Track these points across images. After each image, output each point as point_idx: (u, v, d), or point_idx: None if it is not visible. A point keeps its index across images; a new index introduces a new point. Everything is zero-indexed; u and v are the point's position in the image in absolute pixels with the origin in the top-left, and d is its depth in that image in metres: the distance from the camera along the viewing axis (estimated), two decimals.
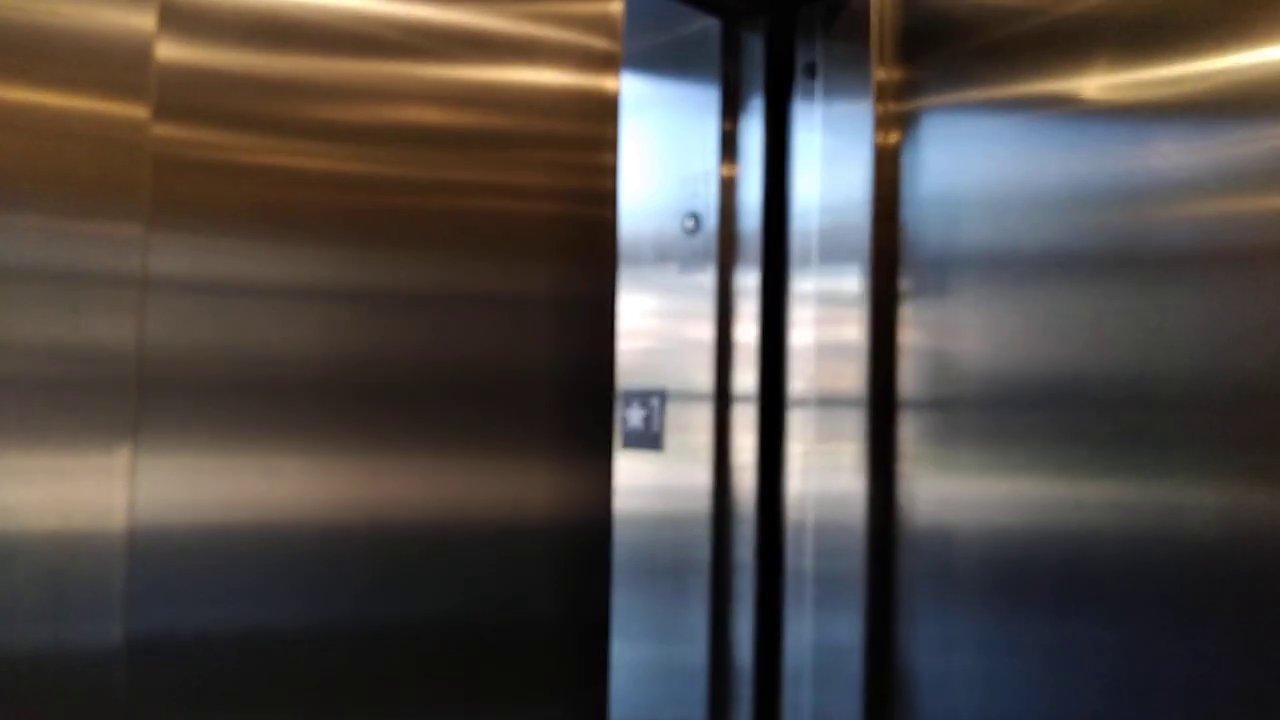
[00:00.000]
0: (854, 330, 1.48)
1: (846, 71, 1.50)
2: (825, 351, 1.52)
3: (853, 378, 1.48)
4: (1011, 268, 1.38)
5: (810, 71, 1.53)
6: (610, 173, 1.27)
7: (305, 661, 1.00)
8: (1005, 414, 1.38)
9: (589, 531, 1.30)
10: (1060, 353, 1.33)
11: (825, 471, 1.51)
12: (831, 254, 1.51)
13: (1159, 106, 1.26)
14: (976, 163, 1.42)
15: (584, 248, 1.27)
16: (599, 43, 1.26)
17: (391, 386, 1.06)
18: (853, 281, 1.48)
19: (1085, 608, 1.30)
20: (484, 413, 1.16)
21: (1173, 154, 1.25)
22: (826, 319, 1.52)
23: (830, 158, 1.51)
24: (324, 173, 0.98)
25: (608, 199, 1.27)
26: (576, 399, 1.27)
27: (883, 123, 1.47)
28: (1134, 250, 1.28)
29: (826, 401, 1.51)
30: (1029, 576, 1.35)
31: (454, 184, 1.11)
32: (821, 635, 1.51)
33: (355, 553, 1.03)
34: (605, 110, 1.27)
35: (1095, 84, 1.32)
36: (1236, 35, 1.21)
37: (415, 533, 1.09)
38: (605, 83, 1.26)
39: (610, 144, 1.27)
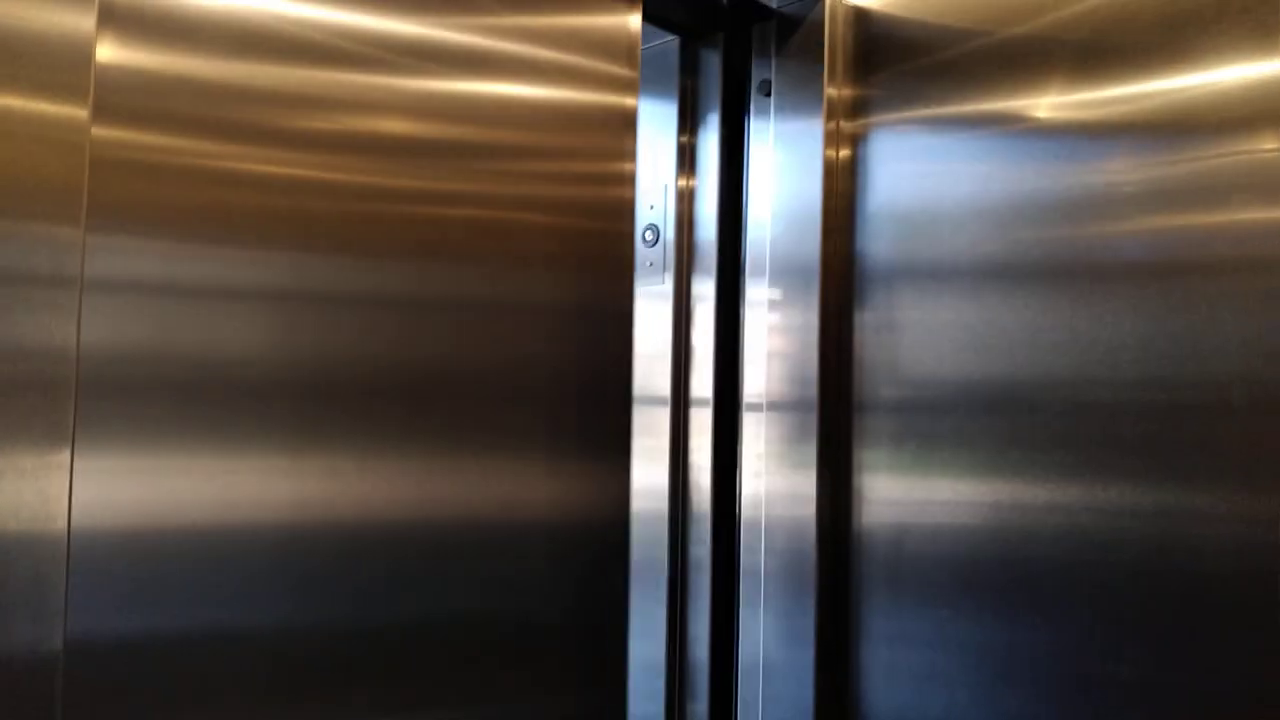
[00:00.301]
0: (805, 337, 1.53)
1: (799, 89, 1.55)
2: (777, 357, 1.56)
3: (804, 382, 1.53)
4: (956, 279, 1.43)
5: (765, 89, 1.58)
6: (630, 183, 1.33)
7: (273, 665, 1.02)
8: (949, 419, 1.42)
9: (611, 531, 1.35)
10: (1002, 360, 1.37)
11: (778, 473, 1.56)
12: (784, 264, 1.56)
13: (1102, 126, 1.30)
14: (922, 178, 1.46)
15: (603, 257, 1.32)
16: (620, 61, 1.32)
17: (356, 390, 1.09)
18: (804, 290, 1.53)
19: (1025, 607, 1.33)
20: (469, 414, 1.19)
21: (1113, 171, 1.29)
22: (779, 326, 1.56)
23: (783, 172, 1.56)
24: (282, 179, 1.01)
25: (626, 210, 1.34)
26: (600, 403, 1.33)
27: (832, 139, 1.52)
28: (1074, 263, 1.32)
29: (778, 406, 1.56)
30: (972, 575, 1.38)
31: (427, 193, 1.16)
32: (773, 631, 1.55)
33: (311, 553, 1.05)
34: (625, 124, 1.33)
35: (1041, 103, 1.37)
36: (1177, 58, 1.25)
37: (378, 533, 1.11)
38: (625, 99, 1.33)
39: (630, 156, 1.33)
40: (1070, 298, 1.32)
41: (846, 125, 1.53)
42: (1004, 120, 1.39)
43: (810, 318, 1.52)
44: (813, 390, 1.51)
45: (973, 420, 1.40)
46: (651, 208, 1.64)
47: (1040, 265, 1.35)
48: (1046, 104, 1.36)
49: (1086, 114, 1.32)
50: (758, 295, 1.59)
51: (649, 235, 1.64)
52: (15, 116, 0.79)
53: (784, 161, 1.56)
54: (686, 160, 1.63)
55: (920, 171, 1.47)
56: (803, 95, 1.54)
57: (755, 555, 1.58)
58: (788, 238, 1.55)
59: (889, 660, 1.46)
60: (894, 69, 1.50)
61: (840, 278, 1.51)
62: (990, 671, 1.36)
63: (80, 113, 0.81)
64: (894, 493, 1.47)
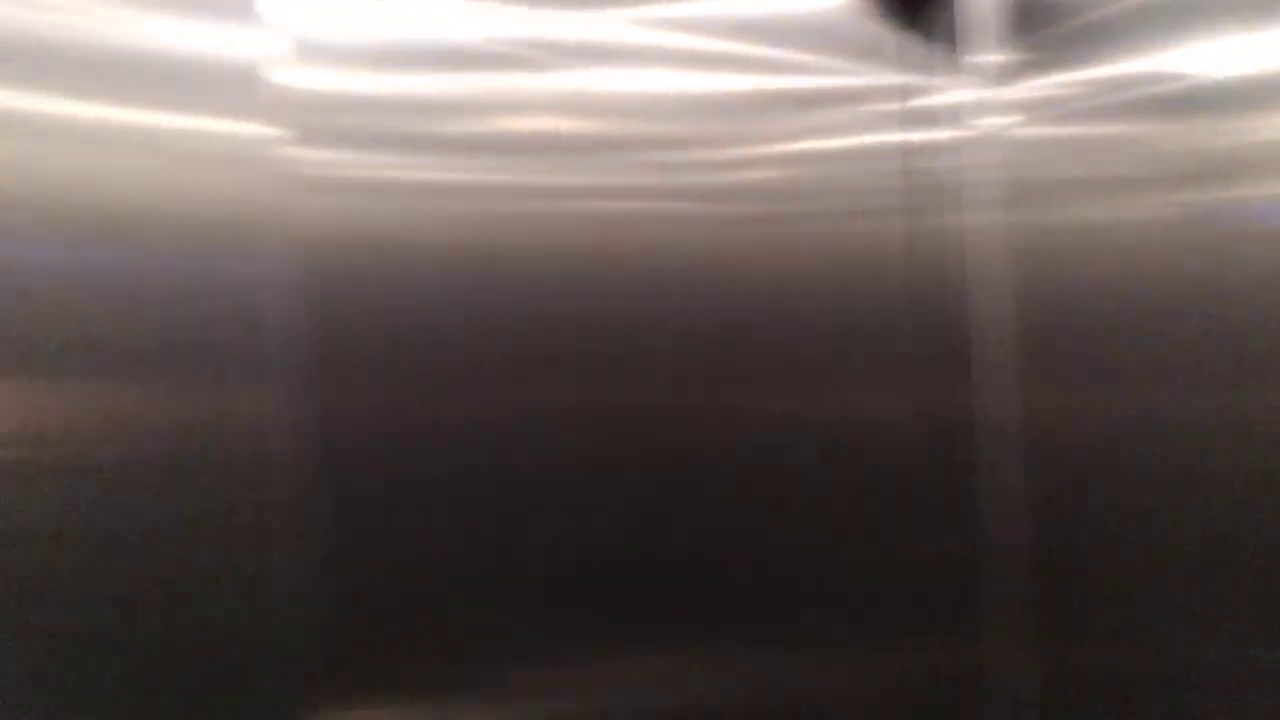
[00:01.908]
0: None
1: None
2: None
3: None
4: (1111, 241, 1.38)
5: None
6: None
7: None
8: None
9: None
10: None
11: None
12: None
13: (1262, 79, 1.24)
14: (1076, 144, 1.42)
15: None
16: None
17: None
18: None
19: None
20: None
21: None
22: None
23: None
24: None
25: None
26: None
27: (988, 107, 1.49)
28: (1228, 228, 1.26)
29: None
30: None
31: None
32: None
33: None
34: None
35: (1196, 58, 1.30)
36: None
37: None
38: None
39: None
40: (1217, 263, 1.25)
41: (1003, 93, 1.49)
42: (1158, 80, 1.33)
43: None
44: None
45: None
46: None
47: (1197, 230, 1.29)
48: (1202, 59, 1.30)
49: (1244, 68, 1.25)
50: None
51: None
52: (204, 138, 0.78)
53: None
54: None
55: (1075, 137, 1.42)
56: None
57: None
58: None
59: None
60: (1045, 32, 1.45)
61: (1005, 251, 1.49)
62: None
63: (274, 133, 0.80)
64: None
